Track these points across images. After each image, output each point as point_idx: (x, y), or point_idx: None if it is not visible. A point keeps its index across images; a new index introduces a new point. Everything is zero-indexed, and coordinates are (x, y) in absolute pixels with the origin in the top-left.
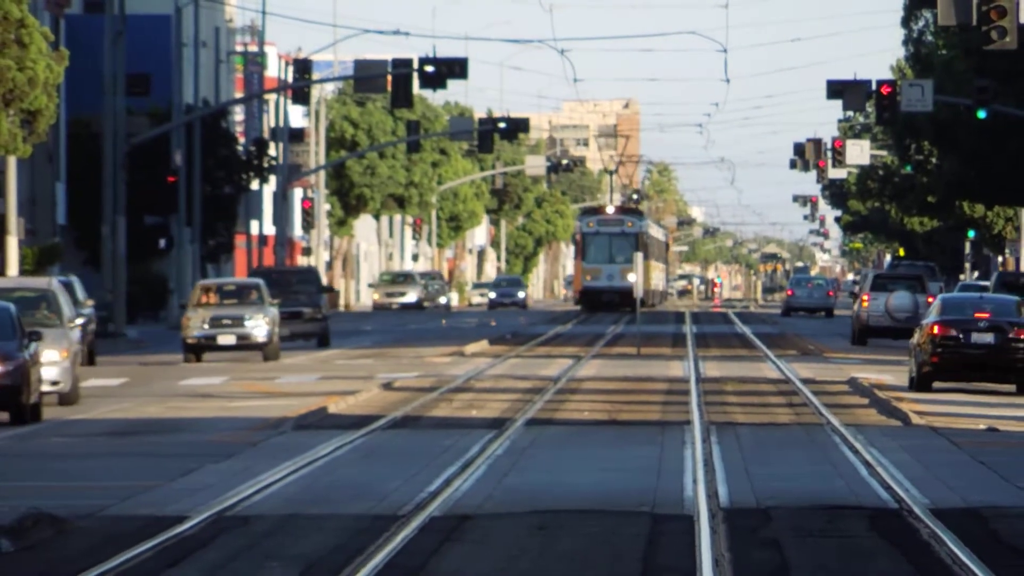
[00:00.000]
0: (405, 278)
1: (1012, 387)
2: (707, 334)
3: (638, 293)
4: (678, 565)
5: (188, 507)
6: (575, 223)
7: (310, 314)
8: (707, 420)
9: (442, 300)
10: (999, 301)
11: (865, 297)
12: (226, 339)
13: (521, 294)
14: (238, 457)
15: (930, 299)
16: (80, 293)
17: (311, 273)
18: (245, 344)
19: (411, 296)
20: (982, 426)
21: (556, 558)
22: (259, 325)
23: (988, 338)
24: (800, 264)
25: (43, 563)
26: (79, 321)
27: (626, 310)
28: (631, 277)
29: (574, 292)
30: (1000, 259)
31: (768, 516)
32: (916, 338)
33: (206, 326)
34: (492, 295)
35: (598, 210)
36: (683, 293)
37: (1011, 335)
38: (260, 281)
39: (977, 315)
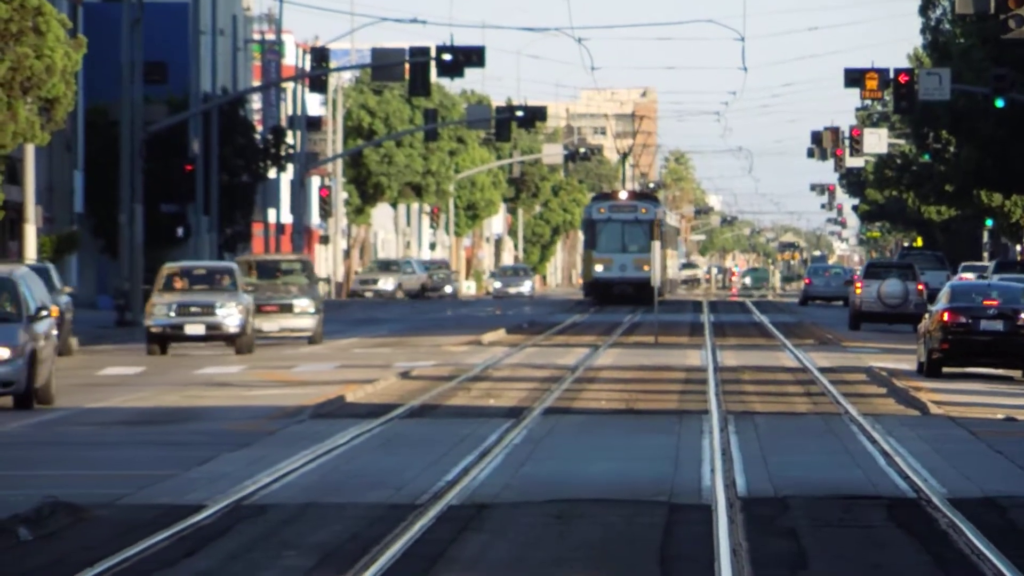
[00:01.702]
0: (387, 265)
1: (1018, 372)
2: (724, 323)
3: (656, 283)
4: (695, 554)
5: (205, 496)
6: (585, 209)
7: (302, 308)
8: (725, 409)
9: (448, 289)
10: (1007, 288)
11: (859, 284)
12: (194, 328)
13: (527, 283)
14: (255, 446)
15: (920, 286)
16: (57, 280)
17: (303, 262)
18: (215, 334)
19: (386, 284)
20: (1000, 415)
21: (573, 547)
22: (231, 314)
23: (997, 325)
24: (818, 253)
25: (61, 551)
26: (44, 312)
27: (639, 303)
28: (646, 267)
29: (584, 283)
30: (1018, 248)
31: (786, 506)
32: (926, 324)
33: (172, 314)
34: (497, 284)
35: (610, 195)
36: (688, 282)
37: (1019, 322)
38: (233, 265)
39: (986, 303)
